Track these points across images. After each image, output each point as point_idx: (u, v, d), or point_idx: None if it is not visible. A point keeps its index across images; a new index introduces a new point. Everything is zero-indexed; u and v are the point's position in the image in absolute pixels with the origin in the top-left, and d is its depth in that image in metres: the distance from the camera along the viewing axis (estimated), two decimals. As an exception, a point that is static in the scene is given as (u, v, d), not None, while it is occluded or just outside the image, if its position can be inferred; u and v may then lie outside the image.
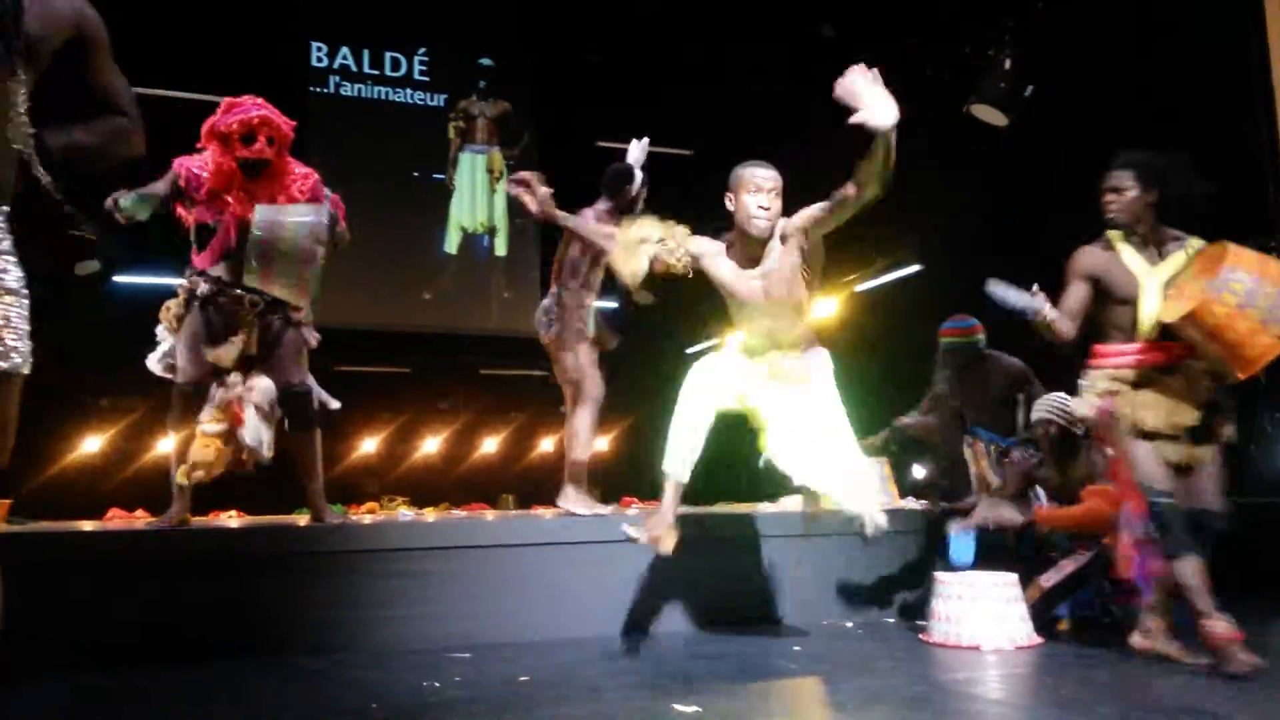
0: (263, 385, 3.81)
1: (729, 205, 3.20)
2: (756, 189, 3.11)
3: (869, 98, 2.72)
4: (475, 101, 9.33)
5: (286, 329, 3.86)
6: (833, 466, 3.22)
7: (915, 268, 7.94)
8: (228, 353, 3.73)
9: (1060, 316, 3.22)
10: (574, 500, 4.39)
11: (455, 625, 3.65)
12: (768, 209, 3.12)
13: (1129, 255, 3.19)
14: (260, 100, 3.81)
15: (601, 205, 4.49)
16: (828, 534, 4.04)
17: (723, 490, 6.39)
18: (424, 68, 9.24)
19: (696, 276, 3.36)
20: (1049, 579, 3.84)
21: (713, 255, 3.28)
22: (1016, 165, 7.18)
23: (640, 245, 3.22)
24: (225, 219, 3.73)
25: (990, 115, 6.97)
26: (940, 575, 3.76)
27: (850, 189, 2.96)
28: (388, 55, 9.14)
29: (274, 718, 2.60)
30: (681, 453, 3.22)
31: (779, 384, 3.29)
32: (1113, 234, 3.24)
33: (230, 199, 3.71)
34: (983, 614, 3.56)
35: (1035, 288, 3.22)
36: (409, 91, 9.17)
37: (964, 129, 7.03)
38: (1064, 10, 7.04)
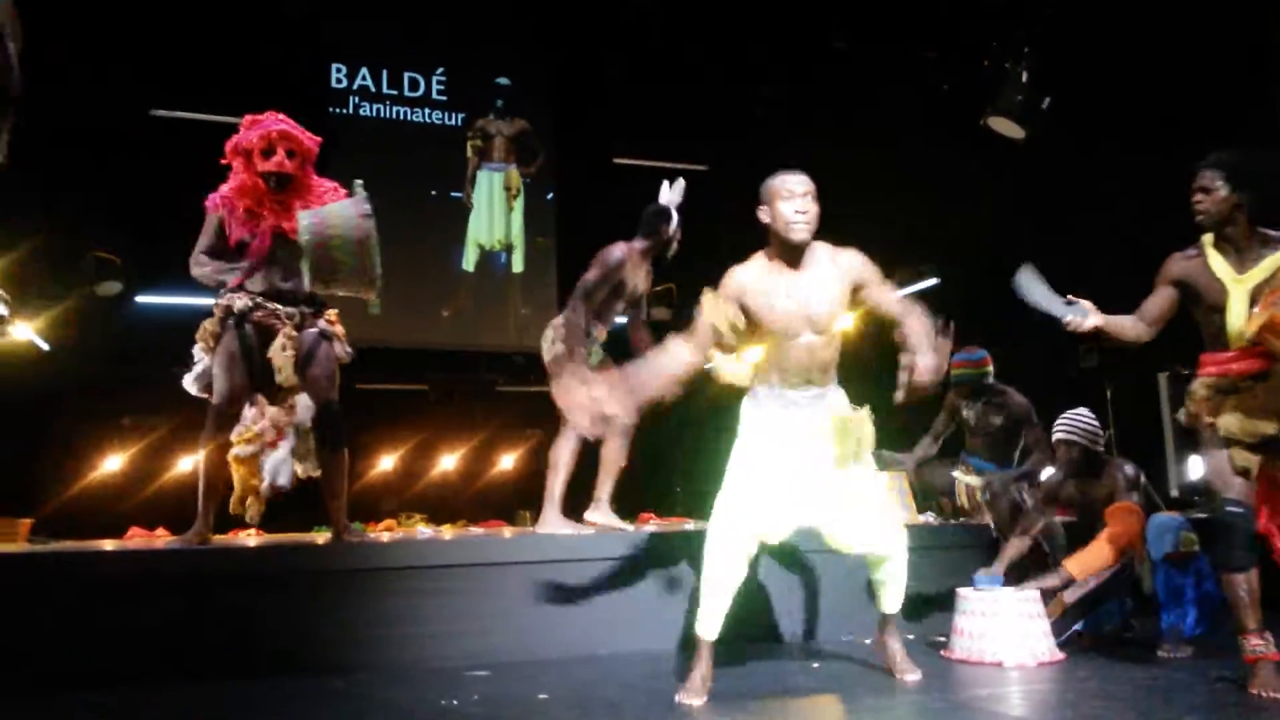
0: (303, 403, 3.85)
1: (764, 218, 3.06)
2: (790, 194, 3.01)
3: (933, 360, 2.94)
4: (493, 120, 9.39)
5: (321, 343, 3.87)
6: (865, 525, 3.11)
7: (933, 281, 7.92)
8: (282, 372, 3.72)
9: (1128, 320, 3.20)
10: (552, 523, 4.34)
11: (474, 643, 3.65)
12: (805, 213, 3.00)
13: (1217, 261, 3.09)
14: (282, 116, 3.85)
15: (638, 244, 4.44)
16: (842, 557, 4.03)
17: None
18: (441, 87, 9.31)
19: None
20: (1071, 594, 3.80)
21: (757, 290, 3.04)
22: (1035, 178, 7.16)
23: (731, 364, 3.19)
24: (261, 230, 3.76)
25: (1008, 128, 6.95)
26: (962, 591, 3.73)
27: (896, 333, 3.07)
28: (406, 75, 9.22)
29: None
30: (714, 614, 3.01)
31: (814, 443, 3.07)
32: (1205, 238, 3.15)
33: (265, 212, 3.76)
34: (1005, 630, 3.53)
35: (1070, 298, 3.18)
36: (427, 111, 9.24)
37: (982, 141, 7.01)
38: (1080, 23, 7.02)
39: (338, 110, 8.95)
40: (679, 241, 4.50)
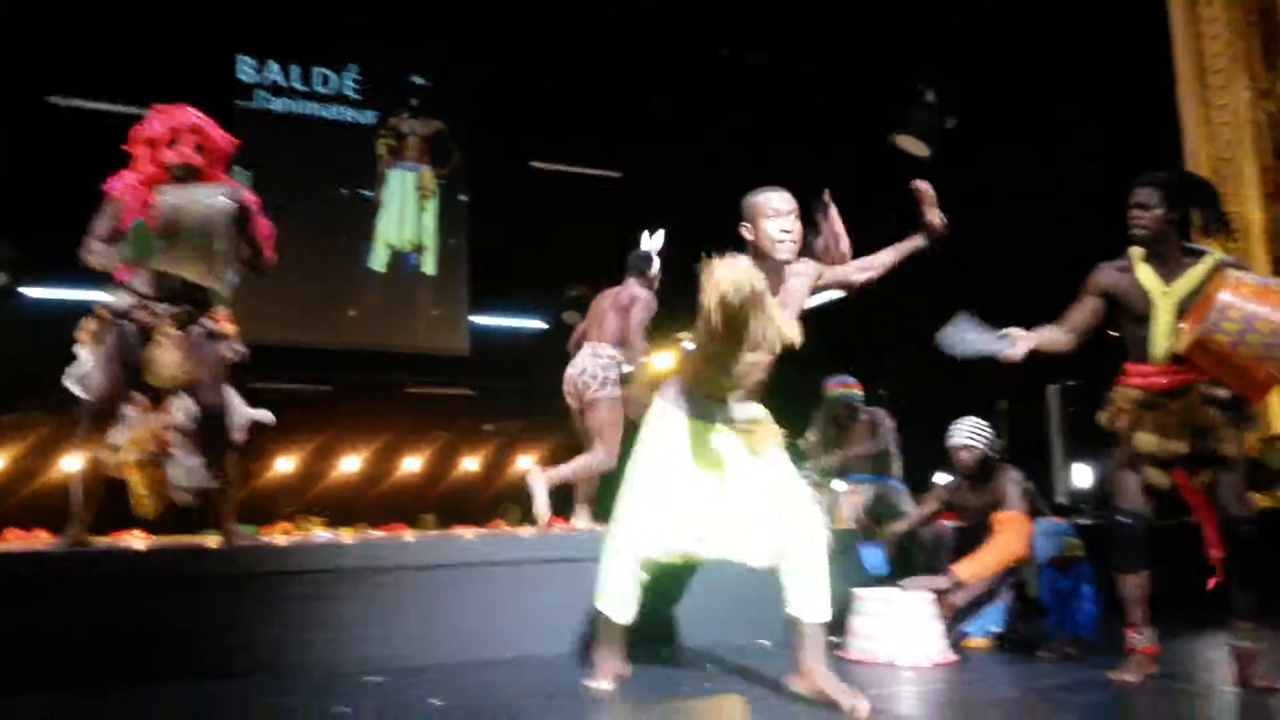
0: (183, 406, 3.70)
1: (747, 235, 3.01)
2: (776, 213, 2.98)
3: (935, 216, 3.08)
4: (406, 119, 9.27)
5: (206, 343, 3.74)
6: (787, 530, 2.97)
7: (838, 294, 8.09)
8: (158, 374, 3.59)
9: (1051, 332, 3.27)
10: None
11: (370, 648, 3.57)
12: (790, 232, 2.99)
13: (1145, 274, 3.19)
14: (195, 110, 3.72)
15: (642, 284, 4.92)
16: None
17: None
18: (354, 84, 9.15)
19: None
20: (959, 598, 3.93)
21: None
22: (938, 193, 7.37)
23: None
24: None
25: (914, 146, 7.16)
26: (858, 592, 3.82)
27: (858, 278, 3.16)
28: (317, 71, 9.04)
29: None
30: (619, 591, 3.03)
31: (737, 451, 3.02)
32: (1134, 251, 3.25)
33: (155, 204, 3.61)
34: (899, 631, 3.62)
35: (1001, 332, 3.21)
36: (339, 108, 9.07)
37: (888, 157, 7.20)
38: (988, 47, 7.28)
39: (244, 104, 8.73)
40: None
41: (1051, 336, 3.28)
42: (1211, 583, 3.14)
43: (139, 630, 3.33)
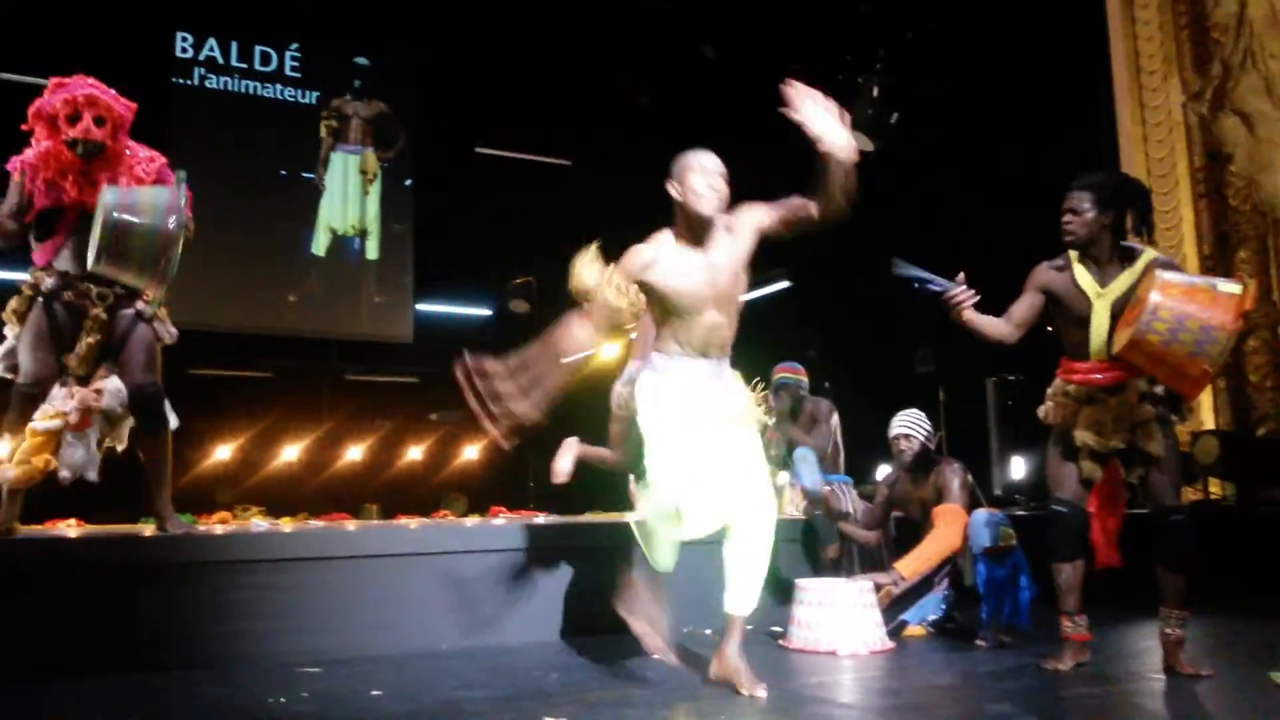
0: (112, 387, 3.60)
1: (673, 192, 3.01)
2: (702, 170, 2.99)
3: (823, 124, 2.89)
4: (349, 101, 9.11)
5: (138, 325, 3.65)
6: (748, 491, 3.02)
7: (783, 284, 8.16)
8: (80, 356, 3.51)
9: (995, 320, 3.32)
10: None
11: (307, 640, 3.53)
12: (715, 189, 2.98)
13: (1082, 275, 3.26)
14: (92, 80, 3.59)
15: None
16: (694, 544, 4.10)
17: (593, 499, 6.39)
18: (296, 63, 8.97)
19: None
20: (896, 586, 3.99)
21: (652, 264, 3.00)
22: (885, 188, 7.46)
23: (609, 308, 2.97)
24: (66, 206, 3.51)
25: (859, 141, 7.22)
26: (800, 582, 3.87)
27: (813, 207, 3.01)
28: (257, 49, 8.84)
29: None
30: (661, 552, 3.06)
31: (714, 417, 3.01)
32: (1071, 253, 3.31)
33: (67, 185, 3.49)
34: (839, 620, 3.67)
35: (961, 276, 3.28)
36: (279, 87, 8.88)
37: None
38: (933, 43, 7.37)
39: (181, 81, 8.51)
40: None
41: (991, 322, 3.34)
42: (1097, 570, 3.30)
43: (69, 622, 3.25)
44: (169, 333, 3.74)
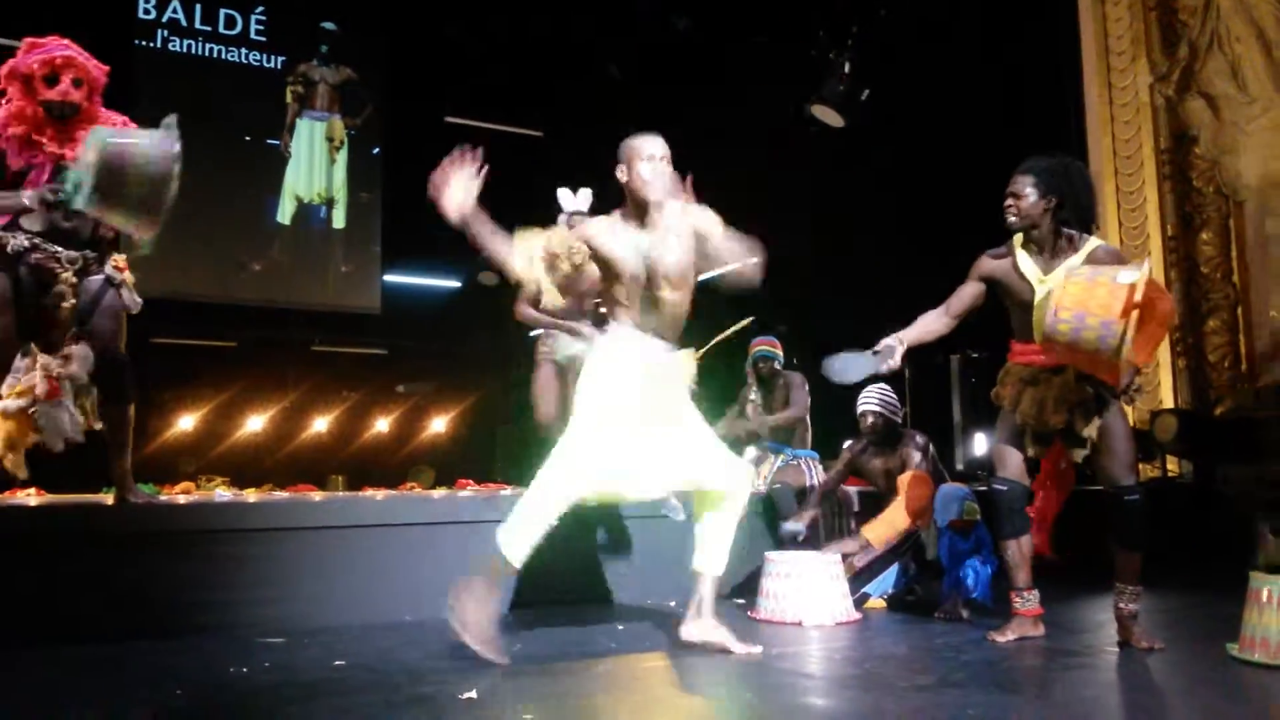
0: (80, 354, 3.53)
1: (621, 176, 3.14)
2: (650, 156, 3.10)
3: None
4: (316, 66, 8.95)
5: (107, 291, 3.57)
6: (712, 459, 3.15)
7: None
8: (57, 322, 3.44)
9: (931, 322, 3.39)
10: None
11: (269, 610, 3.51)
12: (662, 175, 3.11)
13: (1025, 261, 3.31)
14: (67, 41, 3.51)
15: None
16: (660, 516, 4.13)
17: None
18: (261, 26, 8.79)
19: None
20: (860, 559, 4.05)
21: (605, 233, 3.12)
22: (853, 164, 7.47)
23: (535, 255, 3.05)
24: (40, 161, 3.42)
25: (829, 116, 7.23)
26: (769, 555, 3.91)
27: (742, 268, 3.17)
28: (222, 12, 8.66)
29: (68, 704, 2.44)
30: (528, 531, 2.98)
31: (657, 390, 3.09)
32: (1014, 238, 3.36)
33: (45, 140, 3.42)
34: (806, 591, 3.72)
35: (874, 349, 3.34)
36: (244, 51, 8.71)
37: (806, 126, 7.25)
38: (905, 19, 7.36)
39: (144, 44, 8.33)
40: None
41: (928, 327, 3.42)
42: (1038, 550, 3.38)
43: (30, 591, 3.21)
44: (135, 301, 3.67)
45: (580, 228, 3.17)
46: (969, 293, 3.43)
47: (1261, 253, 6.71)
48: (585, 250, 3.09)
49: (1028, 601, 3.30)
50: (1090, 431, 3.18)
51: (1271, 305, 6.62)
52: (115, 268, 3.60)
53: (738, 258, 3.15)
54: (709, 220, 3.18)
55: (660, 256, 3.09)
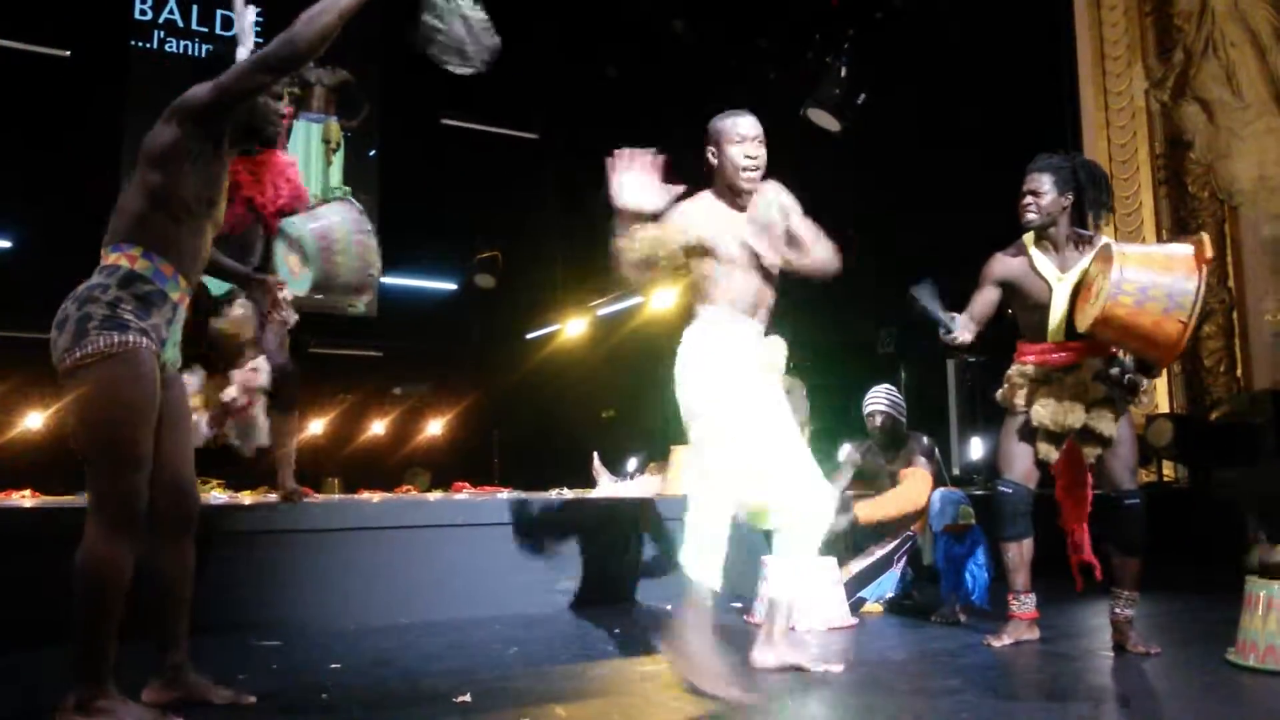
0: (264, 366, 3.77)
1: (711, 159, 2.93)
2: (741, 139, 2.88)
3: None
4: (312, 68, 8.91)
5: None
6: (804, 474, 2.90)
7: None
8: (238, 323, 3.64)
9: (964, 328, 3.35)
10: None
11: (269, 612, 3.53)
12: (756, 158, 2.89)
13: (1040, 260, 3.28)
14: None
15: None
16: (663, 519, 4.14)
17: (558, 474, 6.40)
18: (258, 29, 8.78)
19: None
20: (857, 563, 4.04)
21: (701, 224, 2.88)
22: (850, 168, 7.47)
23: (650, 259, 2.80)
24: (235, 198, 3.58)
25: (825, 120, 7.23)
26: (766, 558, 3.89)
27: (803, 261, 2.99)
28: (219, 12, 8.65)
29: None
30: (714, 551, 2.68)
31: (760, 377, 2.88)
32: (1026, 237, 3.33)
33: (237, 174, 3.58)
34: (801, 596, 3.70)
35: (952, 315, 3.31)
36: (240, 52, 8.70)
37: (802, 129, 7.25)
38: (899, 24, 7.37)
39: (141, 44, 8.30)
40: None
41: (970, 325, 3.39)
42: (1083, 562, 3.35)
43: (25, 592, 3.20)
44: (292, 316, 3.84)
45: (679, 216, 2.87)
46: (986, 298, 3.38)
47: (1257, 257, 6.73)
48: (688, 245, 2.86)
49: (1024, 605, 3.29)
50: (1110, 430, 3.14)
51: (1266, 310, 6.63)
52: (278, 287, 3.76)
53: (815, 243, 2.98)
54: (791, 203, 3.01)
55: (756, 239, 2.90)
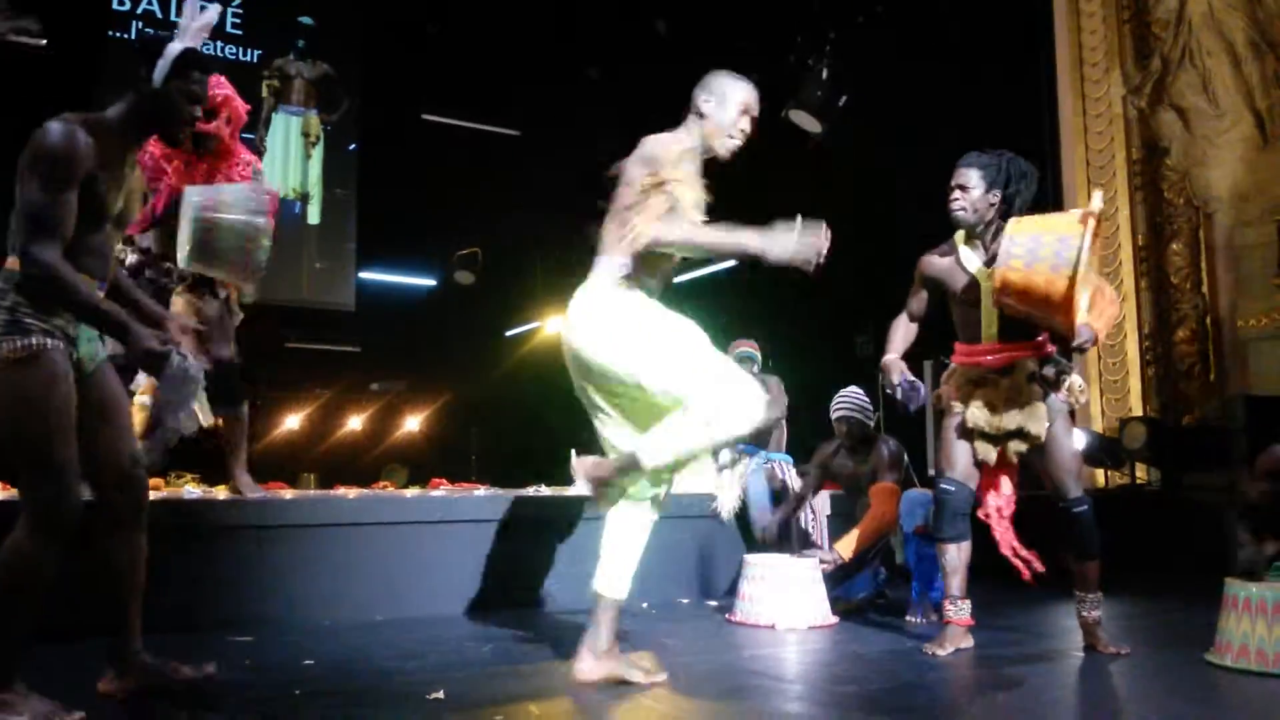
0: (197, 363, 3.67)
1: (707, 109, 2.76)
2: (748, 113, 2.77)
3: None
4: (293, 61, 8.89)
5: (214, 302, 3.84)
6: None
7: (730, 263, 8.17)
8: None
9: (905, 333, 3.44)
10: None
11: (240, 608, 3.49)
12: (746, 132, 2.80)
13: (969, 257, 3.28)
14: (223, 79, 3.70)
15: None
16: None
17: (535, 471, 6.39)
18: (237, 20, 8.72)
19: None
20: (835, 564, 4.07)
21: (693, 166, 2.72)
22: (829, 168, 7.50)
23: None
24: (161, 188, 3.63)
25: (806, 122, 7.26)
26: (747, 558, 3.92)
27: None
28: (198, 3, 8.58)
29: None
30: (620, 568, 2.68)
31: None
32: (957, 235, 3.33)
33: (170, 169, 3.62)
34: (780, 595, 3.73)
35: (908, 379, 3.30)
36: (219, 44, 8.64)
37: (783, 132, 7.27)
38: (879, 28, 7.41)
39: (118, 35, 8.22)
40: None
41: (908, 338, 3.46)
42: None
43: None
44: (238, 313, 4.00)
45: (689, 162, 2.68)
46: (920, 298, 3.44)
47: (1231, 263, 6.81)
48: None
49: (961, 610, 3.21)
50: (1039, 430, 3.14)
51: (1239, 315, 6.71)
52: (223, 285, 3.85)
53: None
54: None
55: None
